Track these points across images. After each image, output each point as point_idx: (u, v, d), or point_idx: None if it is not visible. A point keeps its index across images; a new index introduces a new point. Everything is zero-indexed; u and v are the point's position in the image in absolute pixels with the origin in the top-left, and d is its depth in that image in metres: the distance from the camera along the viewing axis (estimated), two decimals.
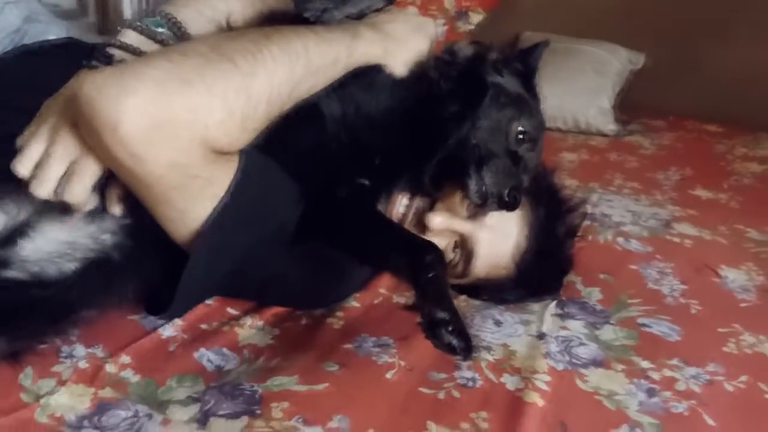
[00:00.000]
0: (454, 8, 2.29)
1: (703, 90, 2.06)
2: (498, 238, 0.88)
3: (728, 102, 2.01)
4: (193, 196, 0.67)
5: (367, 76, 0.80)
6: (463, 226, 0.87)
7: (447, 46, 0.88)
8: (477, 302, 0.93)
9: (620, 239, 1.16)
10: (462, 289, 0.94)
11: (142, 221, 0.71)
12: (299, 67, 0.70)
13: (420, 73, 0.83)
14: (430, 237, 0.84)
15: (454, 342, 0.66)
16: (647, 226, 1.23)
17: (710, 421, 0.71)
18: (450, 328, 0.66)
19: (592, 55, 2.06)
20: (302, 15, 0.76)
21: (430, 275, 0.70)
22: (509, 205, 0.80)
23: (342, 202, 0.81)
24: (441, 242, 0.86)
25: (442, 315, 0.67)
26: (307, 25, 0.76)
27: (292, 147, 0.76)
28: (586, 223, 1.20)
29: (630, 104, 2.05)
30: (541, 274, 0.92)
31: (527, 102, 0.86)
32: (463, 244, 0.88)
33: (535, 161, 0.87)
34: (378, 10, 0.83)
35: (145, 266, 0.74)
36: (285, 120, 0.72)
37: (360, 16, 0.81)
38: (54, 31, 1.04)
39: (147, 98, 0.60)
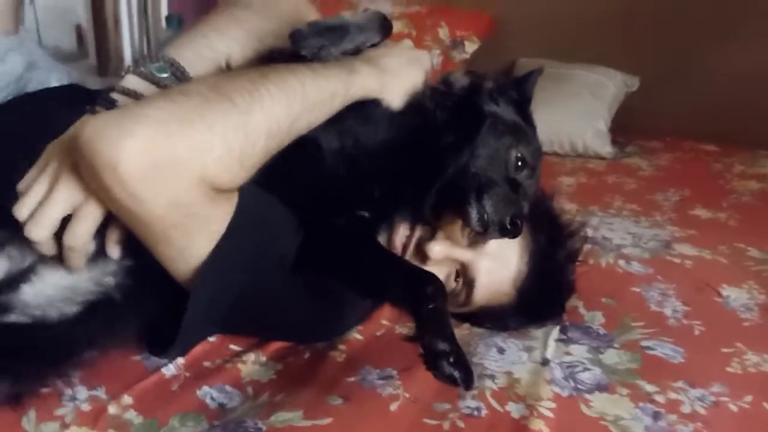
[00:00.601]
0: (449, 38, 2.32)
1: (697, 109, 2.07)
2: (498, 266, 0.88)
3: (724, 120, 2.02)
4: (192, 235, 0.68)
5: (364, 109, 0.80)
6: (464, 254, 0.87)
7: (442, 76, 0.89)
8: (480, 330, 0.93)
9: (621, 262, 1.16)
10: (464, 317, 0.94)
11: (143, 262, 0.71)
12: (296, 103, 0.71)
13: (416, 104, 0.84)
14: (430, 266, 0.85)
15: (455, 373, 0.66)
16: (648, 248, 1.23)
17: None
18: (451, 360, 0.66)
19: (588, 79, 2.08)
20: (299, 53, 0.77)
21: (431, 307, 0.70)
22: (511, 233, 0.80)
23: (342, 235, 0.82)
24: (442, 271, 0.87)
25: (442, 347, 0.67)
26: (304, 62, 0.77)
27: (290, 180, 0.76)
28: (587, 246, 1.20)
29: (626, 126, 2.06)
30: (542, 299, 0.92)
31: (524, 129, 0.87)
32: (464, 273, 0.88)
33: (534, 188, 0.87)
34: (374, 45, 0.84)
35: (147, 306, 0.75)
36: (284, 154, 0.73)
37: (356, 52, 0.82)
38: (56, 77, 1.05)
39: (146, 138, 0.61)
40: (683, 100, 2.10)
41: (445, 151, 0.83)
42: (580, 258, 0.99)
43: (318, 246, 0.80)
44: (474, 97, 0.86)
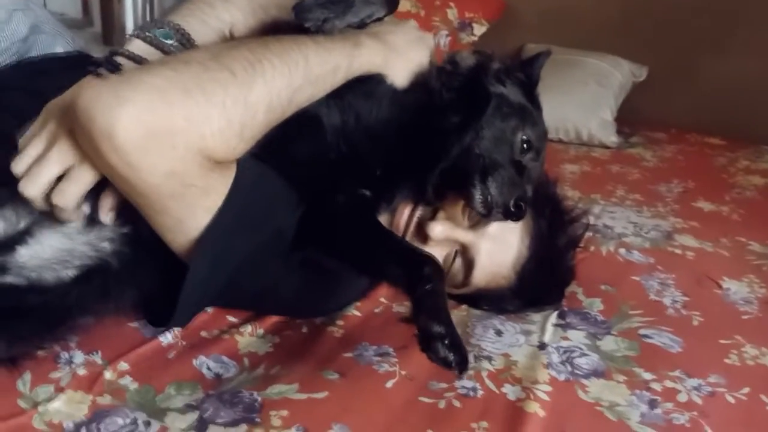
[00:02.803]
0: (458, 20, 2.30)
1: (704, 102, 2.07)
2: (499, 248, 0.88)
3: (730, 114, 2.02)
4: (189, 206, 0.67)
5: (367, 85, 0.79)
6: (465, 235, 0.87)
7: (449, 55, 0.88)
8: (478, 312, 0.93)
9: (622, 250, 1.16)
10: (462, 299, 0.94)
11: (140, 230, 0.71)
12: (298, 76, 0.70)
13: (422, 83, 0.83)
14: (430, 246, 0.84)
15: (450, 356, 0.65)
16: (649, 238, 1.23)
17: None
18: (446, 342, 0.66)
19: (595, 67, 2.07)
20: (302, 25, 0.75)
21: (427, 287, 0.69)
22: (515, 216, 0.79)
23: (341, 212, 0.81)
24: (442, 251, 0.86)
25: (438, 329, 0.66)
26: (308, 34, 0.75)
27: (290, 155, 0.76)
28: (588, 234, 1.20)
29: (632, 116, 2.05)
30: (541, 284, 0.92)
31: (530, 111, 0.86)
32: (464, 254, 0.88)
33: (539, 171, 0.86)
34: (379, 19, 0.83)
35: (143, 274, 0.74)
36: (284, 128, 0.72)
37: (361, 26, 0.81)
38: (61, 43, 1.04)
39: (144, 107, 0.60)
40: (690, 93, 2.09)
41: (449, 131, 0.81)
42: (581, 245, 0.99)
43: (317, 222, 0.79)
44: (480, 77, 0.84)
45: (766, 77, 2.01)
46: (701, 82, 2.09)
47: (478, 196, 0.79)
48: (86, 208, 0.69)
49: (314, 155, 0.78)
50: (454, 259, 0.88)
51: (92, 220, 0.70)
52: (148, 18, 2.65)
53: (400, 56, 0.81)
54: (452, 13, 2.29)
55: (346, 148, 0.79)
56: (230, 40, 0.82)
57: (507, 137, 0.82)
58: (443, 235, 0.86)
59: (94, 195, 0.68)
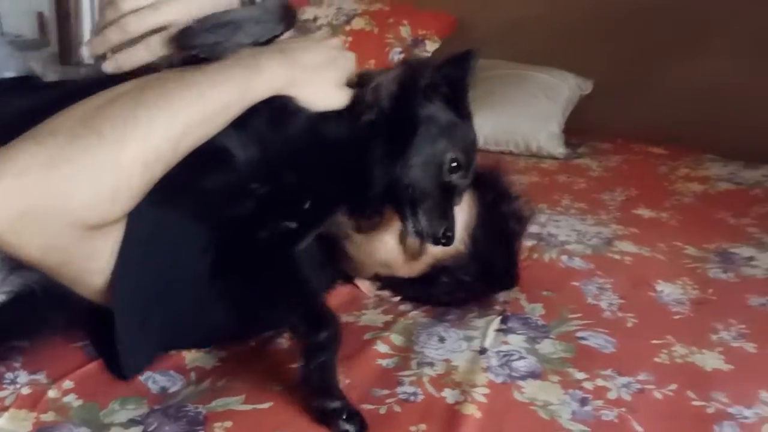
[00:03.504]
0: (411, 37, 2.35)
1: (647, 113, 2.15)
2: None
3: (672, 124, 2.10)
4: (77, 271, 0.69)
5: (281, 112, 0.78)
6: None
7: (371, 77, 0.85)
8: (423, 320, 0.96)
9: (564, 257, 1.20)
10: (422, 283, 0.97)
11: None
12: (179, 124, 0.68)
13: (344, 114, 0.82)
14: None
15: (350, 429, 0.68)
16: (590, 245, 1.27)
17: (638, 428, 0.74)
18: (344, 416, 0.68)
19: (543, 81, 2.13)
20: (192, 54, 0.73)
21: (320, 360, 0.70)
22: (444, 243, 0.83)
23: (261, 248, 0.79)
24: (394, 228, 0.90)
25: (333, 405, 0.69)
26: (199, 65, 0.73)
27: (199, 191, 0.75)
28: (533, 242, 1.25)
29: (580, 128, 2.12)
30: (493, 245, 0.96)
31: (459, 127, 0.86)
32: None
33: (469, 182, 0.89)
34: (277, 37, 0.81)
35: (71, 299, 0.74)
36: (189, 165, 0.71)
37: (266, 42, 0.79)
38: (12, 66, 1.05)
39: (7, 191, 0.60)
40: (634, 104, 2.17)
41: (376, 162, 0.82)
42: (526, 221, 1.04)
43: (235, 259, 0.78)
44: (407, 101, 0.83)
45: (706, 88, 2.09)
46: (644, 94, 2.17)
47: (410, 227, 0.83)
48: None
49: (226, 188, 0.77)
50: None
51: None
52: None
53: (308, 77, 0.79)
54: (405, 31, 2.35)
55: (264, 180, 0.78)
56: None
57: (436, 161, 0.83)
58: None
59: None
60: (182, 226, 0.75)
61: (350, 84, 0.84)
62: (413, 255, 0.96)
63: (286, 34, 0.83)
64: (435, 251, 0.93)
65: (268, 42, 0.80)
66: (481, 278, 0.97)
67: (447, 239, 0.82)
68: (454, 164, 0.84)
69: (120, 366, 0.75)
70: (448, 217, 0.83)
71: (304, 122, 0.79)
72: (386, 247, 0.96)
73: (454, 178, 0.84)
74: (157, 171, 0.68)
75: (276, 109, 0.78)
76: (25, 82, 1.00)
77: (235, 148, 0.76)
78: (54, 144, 0.63)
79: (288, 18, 0.82)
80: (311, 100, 0.79)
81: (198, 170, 0.72)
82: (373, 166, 0.81)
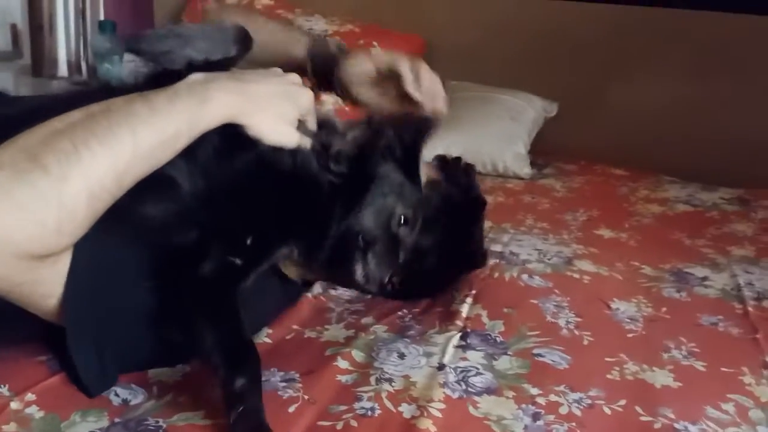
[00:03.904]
0: None
1: (610, 135, 2.22)
2: None
3: (633, 146, 2.17)
4: (27, 296, 0.70)
5: (231, 143, 0.79)
6: None
7: (329, 129, 0.91)
8: (384, 336, 0.98)
9: (524, 276, 1.23)
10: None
11: None
12: (124, 157, 0.69)
13: (302, 161, 0.84)
14: None
15: None
16: (551, 264, 1.31)
17: None
18: None
19: (509, 103, 2.18)
20: (139, 57, 0.75)
21: (241, 409, 0.69)
22: (390, 292, 0.92)
23: (203, 282, 0.78)
24: None
25: None
26: (151, 91, 0.74)
27: (140, 219, 0.75)
28: (495, 261, 1.28)
29: (545, 149, 2.17)
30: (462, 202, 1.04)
31: (408, 187, 0.94)
32: None
33: (413, 237, 0.95)
34: (232, 60, 0.83)
35: (32, 316, 0.74)
36: (132, 192, 0.71)
37: (218, 67, 0.81)
38: None
39: None
40: (598, 126, 2.24)
41: (328, 207, 0.87)
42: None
43: (176, 291, 0.78)
44: (364, 161, 0.90)
45: (665, 110, 2.17)
46: (607, 116, 2.24)
47: (359, 271, 0.89)
48: None
49: (169, 217, 0.78)
50: None
51: None
52: (81, 51, 2.65)
53: (261, 108, 0.80)
54: (376, 51, 2.37)
55: (206, 212, 0.78)
56: None
57: (385, 213, 0.91)
58: None
59: None
60: (125, 253, 0.76)
61: (303, 124, 0.87)
62: None
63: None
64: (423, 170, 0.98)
65: (224, 66, 0.82)
66: (454, 243, 1.02)
67: (392, 285, 0.88)
68: (402, 219, 0.90)
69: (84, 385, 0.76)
70: (393, 266, 0.89)
71: (252, 156, 0.81)
72: None
73: (401, 231, 0.91)
74: (103, 202, 0.69)
75: (225, 139, 0.79)
76: None
77: (181, 177, 0.77)
78: None
79: (242, 41, 0.84)
80: (261, 131, 0.81)
81: (141, 197, 0.73)
82: (327, 212, 0.86)
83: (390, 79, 1.03)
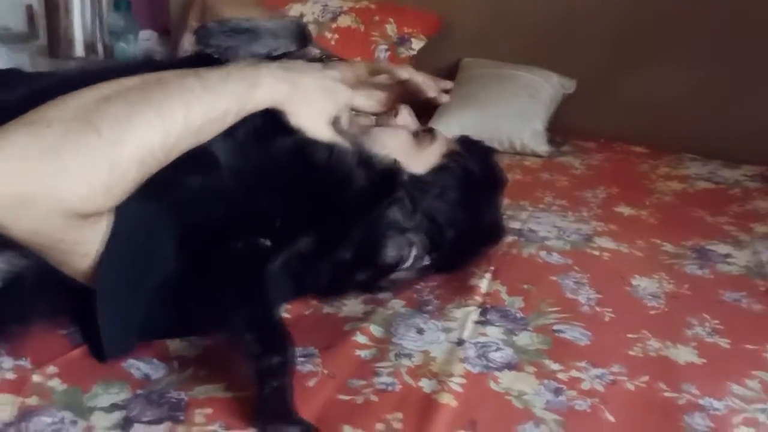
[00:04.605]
0: (396, 35, 2.36)
1: (630, 113, 2.17)
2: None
3: (653, 124, 2.13)
4: (64, 254, 0.70)
5: (271, 127, 0.80)
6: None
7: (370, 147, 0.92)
8: (402, 311, 0.97)
9: (543, 252, 1.22)
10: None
11: None
12: (176, 129, 0.70)
13: (336, 155, 0.85)
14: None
15: None
16: (570, 240, 1.30)
17: (610, 418, 0.76)
18: None
19: (526, 80, 2.15)
20: (204, 51, 0.76)
21: (274, 385, 0.69)
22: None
23: (233, 259, 0.79)
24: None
25: (293, 430, 0.67)
26: (203, 69, 0.75)
27: (180, 189, 0.75)
28: (513, 238, 1.27)
29: (563, 126, 2.14)
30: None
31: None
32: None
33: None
34: (287, 54, 0.84)
35: (58, 287, 0.75)
36: (174, 162, 0.72)
37: (274, 58, 0.82)
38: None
39: (0, 175, 0.61)
40: (617, 103, 2.20)
41: (356, 205, 0.86)
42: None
43: (205, 265, 0.78)
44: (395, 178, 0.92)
45: (687, 88, 2.13)
46: (627, 94, 2.20)
47: (394, 254, 0.91)
48: None
49: (207, 191, 0.78)
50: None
51: (5, 244, 0.71)
52: (97, 31, 2.65)
53: (305, 100, 0.82)
54: (391, 29, 2.36)
55: (241, 190, 0.79)
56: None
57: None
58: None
59: None
60: (162, 220, 0.76)
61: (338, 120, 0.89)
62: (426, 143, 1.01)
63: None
64: (440, 143, 1.01)
65: (278, 57, 0.83)
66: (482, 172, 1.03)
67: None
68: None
69: (101, 349, 0.76)
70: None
71: (290, 142, 0.82)
72: (400, 136, 1.00)
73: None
74: (151, 169, 0.70)
75: (267, 123, 0.80)
76: (9, 74, 1.01)
77: (221, 153, 0.78)
78: (48, 135, 0.64)
79: (303, 38, 0.86)
80: (302, 122, 0.83)
81: (183, 168, 0.73)
82: (354, 209, 0.86)
83: (375, 85, 1.06)
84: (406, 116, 1.03)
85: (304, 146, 0.83)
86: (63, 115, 0.66)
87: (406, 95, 1.06)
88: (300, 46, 0.86)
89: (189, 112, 0.71)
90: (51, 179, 0.63)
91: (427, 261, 0.92)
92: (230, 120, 0.76)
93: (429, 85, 1.03)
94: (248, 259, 0.79)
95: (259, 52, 0.81)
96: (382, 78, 1.04)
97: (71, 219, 0.66)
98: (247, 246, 0.80)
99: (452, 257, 1.03)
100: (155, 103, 0.69)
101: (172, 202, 0.75)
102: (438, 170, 1.00)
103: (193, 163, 0.74)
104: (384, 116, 1.02)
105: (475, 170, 1.02)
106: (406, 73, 1.03)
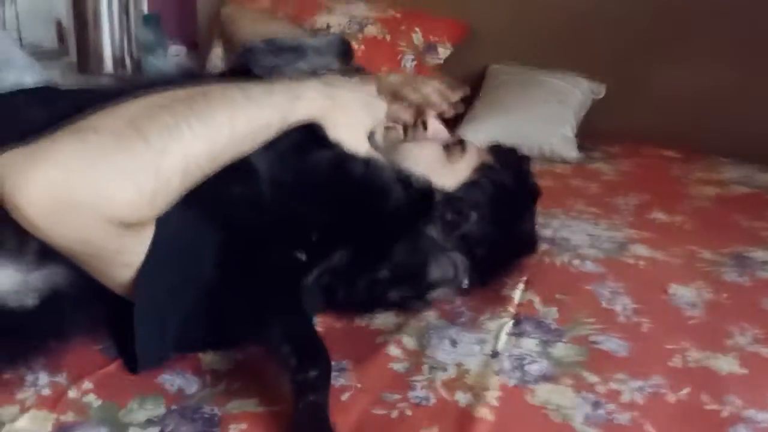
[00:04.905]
0: (423, 43, 2.36)
1: (660, 116, 2.15)
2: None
3: (684, 127, 2.09)
4: (106, 263, 0.70)
5: (311, 140, 0.81)
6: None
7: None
8: (435, 322, 0.96)
9: (576, 261, 1.20)
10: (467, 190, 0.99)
11: None
12: (221, 140, 0.71)
13: (372, 170, 0.85)
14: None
15: None
16: (603, 249, 1.27)
17: (651, 431, 0.75)
18: None
19: (556, 86, 2.14)
20: (251, 71, 0.77)
21: (311, 399, 0.68)
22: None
23: (269, 271, 0.79)
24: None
25: None
26: (246, 82, 0.77)
27: (220, 198, 0.76)
28: (546, 246, 1.25)
29: (592, 132, 2.12)
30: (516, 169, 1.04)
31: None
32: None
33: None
34: (331, 70, 0.86)
35: (96, 301, 0.76)
36: (220, 173, 0.72)
37: (312, 73, 0.84)
38: (31, 76, 1.07)
39: (47, 181, 0.61)
40: (647, 107, 2.17)
41: (391, 222, 0.86)
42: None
43: (242, 275, 0.79)
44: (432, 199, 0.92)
45: (718, 90, 2.09)
46: (656, 97, 2.17)
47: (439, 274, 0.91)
48: (35, 245, 0.71)
49: (246, 202, 0.78)
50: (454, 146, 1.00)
51: (43, 256, 0.72)
52: (125, 46, 2.69)
53: (345, 114, 0.84)
54: (417, 38, 2.36)
55: (279, 202, 0.79)
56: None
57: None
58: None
59: None
60: (202, 230, 0.76)
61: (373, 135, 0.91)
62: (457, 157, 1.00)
63: None
64: (473, 155, 1.00)
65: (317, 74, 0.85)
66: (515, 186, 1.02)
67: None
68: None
69: (135, 360, 0.76)
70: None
71: (329, 155, 0.83)
72: (430, 149, 0.99)
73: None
74: (195, 179, 0.70)
75: (307, 136, 0.81)
76: (43, 90, 1.02)
77: (261, 164, 0.78)
78: (97, 142, 0.64)
79: (346, 54, 0.88)
80: (341, 136, 0.84)
81: (224, 178, 0.74)
82: (389, 225, 0.86)
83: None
84: (435, 127, 1.02)
85: (342, 160, 0.84)
86: (111, 122, 0.67)
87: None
88: (344, 62, 0.87)
89: (233, 123, 0.72)
90: (99, 185, 0.63)
91: (466, 283, 0.90)
92: (272, 132, 0.77)
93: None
94: (285, 271, 0.80)
95: (303, 68, 0.83)
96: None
97: (116, 227, 0.66)
98: (284, 258, 0.80)
99: (486, 272, 1.01)
100: (201, 114, 0.70)
101: (212, 212, 0.76)
102: (470, 185, 0.98)
103: (234, 174, 0.75)
104: (413, 128, 1.01)
105: (507, 183, 1.01)
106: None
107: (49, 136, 0.65)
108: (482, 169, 1.00)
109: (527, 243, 1.08)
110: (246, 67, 0.79)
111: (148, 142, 0.65)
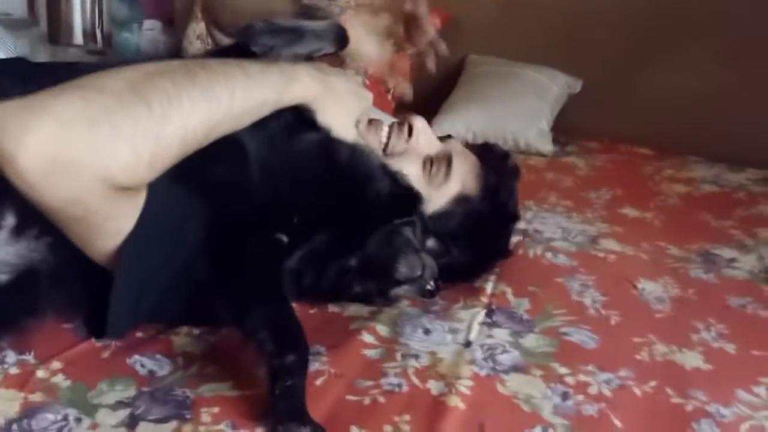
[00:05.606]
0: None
1: (635, 115, 2.18)
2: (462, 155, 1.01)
3: (658, 126, 2.13)
4: (94, 229, 0.69)
5: (300, 122, 0.82)
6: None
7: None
8: (408, 310, 0.97)
9: (549, 254, 1.22)
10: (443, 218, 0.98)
11: (62, 238, 0.71)
12: (219, 112, 0.72)
13: (359, 156, 0.86)
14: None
15: None
16: (575, 242, 1.29)
17: (618, 423, 0.76)
18: None
19: (533, 79, 2.15)
20: (250, 49, 0.77)
21: (288, 384, 0.68)
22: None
23: (250, 253, 0.78)
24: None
25: (302, 431, 0.66)
26: (243, 59, 0.78)
27: (208, 175, 0.76)
28: (519, 238, 1.26)
29: (567, 127, 2.14)
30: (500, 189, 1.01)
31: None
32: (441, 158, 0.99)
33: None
34: (328, 55, 0.87)
35: (73, 278, 0.75)
36: (208, 150, 0.73)
37: (308, 58, 0.85)
38: (2, 48, 1.05)
39: (47, 137, 0.60)
40: (622, 105, 2.20)
41: (373, 208, 0.87)
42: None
43: (223, 255, 0.78)
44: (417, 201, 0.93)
45: (693, 91, 2.13)
46: (632, 96, 2.20)
47: (406, 270, 0.88)
48: (12, 220, 0.70)
49: (234, 179, 0.79)
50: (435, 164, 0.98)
51: (19, 232, 0.71)
52: (96, 18, 2.64)
53: (335, 100, 0.85)
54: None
55: (265, 183, 0.79)
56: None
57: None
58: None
59: (21, 208, 0.69)
60: (191, 206, 0.76)
61: (359, 123, 0.92)
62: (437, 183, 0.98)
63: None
64: (455, 179, 0.98)
65: (311, 59, 0.85)
66: (490, 215, 1.00)
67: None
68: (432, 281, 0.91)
69: (104, 328, 0.75)
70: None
71: (317, 139, 0.84)
72: (410, 170, 0.97)
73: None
74: (190, 148, 0.71)
75: (297, 118, 0.82)
76: (15, 63, 0.99)
77: (249, 144, 0.79)
78: (99, 102, 0.64)
79: (341, 40, 0.87)
80: (329, 120, 0.85)
81: (212, 155, 0.74)
82: (371, 211, 0.86)
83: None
84: (419, 136, 0.99)
85: (328, 143, 0.85)
86: (115, 84, 0.67)
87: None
88: (338, 47, 0.87)
89: (232, 97, 0.72)
90: (100, 145, 0.63)
91: (431, 284, 0.90)
92: (266, 110, 0.78)
93: (427, 33, 1.04)
94: (266, 254, 0.80)
95: (300, 52, 0.82)
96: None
97: (111, 190, 0.65)
98: (267, 241, 0.80)
99: (455, 279, 1.01)
100: (201, 85, 0.70)
101: (200, 191, 0.76)
102: (444, 216, 0.97)
103: (225, 152, 0.75)
104: (396, 133, 0.99)
105: (483, 212, 0.99)
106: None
107: (50, 91, 0.64)
108: (459, 202, 0.98)
109: (500, 255, 1.07)
110: (244, 46, 0.79)
111: (150, 107, 0.66)
